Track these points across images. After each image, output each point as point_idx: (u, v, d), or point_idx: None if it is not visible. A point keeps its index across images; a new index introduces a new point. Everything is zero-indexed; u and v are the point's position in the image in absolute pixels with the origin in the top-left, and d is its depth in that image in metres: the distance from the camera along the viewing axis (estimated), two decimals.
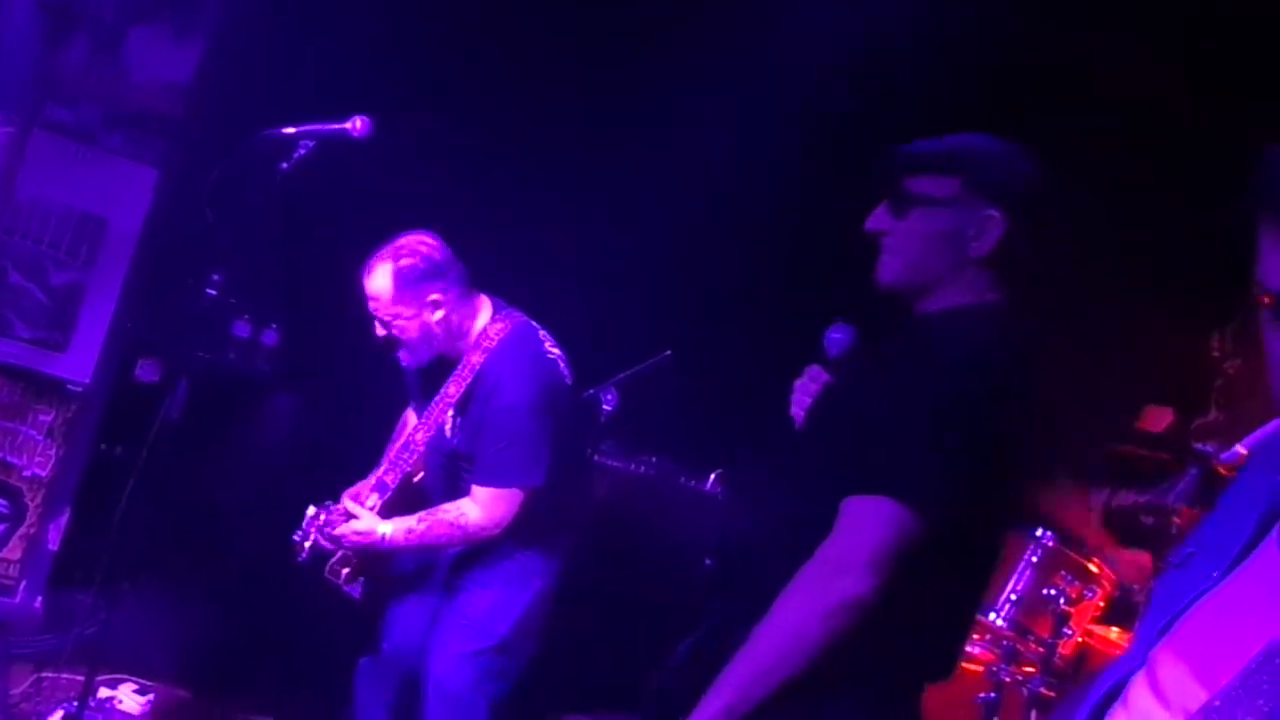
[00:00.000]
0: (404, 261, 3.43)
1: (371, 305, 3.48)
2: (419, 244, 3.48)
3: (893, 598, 1.97)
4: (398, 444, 3.63)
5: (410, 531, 3.40)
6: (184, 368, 3.75)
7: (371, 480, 3.55)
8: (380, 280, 3.44)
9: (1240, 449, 1.28)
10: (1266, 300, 1.24)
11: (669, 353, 4.03)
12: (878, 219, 2.24)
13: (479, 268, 3.55)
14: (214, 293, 3.88)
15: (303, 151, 3.49)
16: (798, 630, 1.97)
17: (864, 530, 1.98)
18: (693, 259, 4.66)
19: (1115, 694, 1.37)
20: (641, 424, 4.27)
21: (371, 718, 3.68)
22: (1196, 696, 1.25)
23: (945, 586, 2.12)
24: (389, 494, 3.47)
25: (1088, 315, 4.40)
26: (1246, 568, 1.34)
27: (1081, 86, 4.18)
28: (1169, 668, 1.32)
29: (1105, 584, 4.00)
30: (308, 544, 3.50)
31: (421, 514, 3.42)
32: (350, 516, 3.41)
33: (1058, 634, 3.86)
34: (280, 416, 4.84)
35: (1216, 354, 3.98)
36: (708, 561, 2.40)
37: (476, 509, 3.40)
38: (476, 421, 3.42)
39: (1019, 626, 3.95)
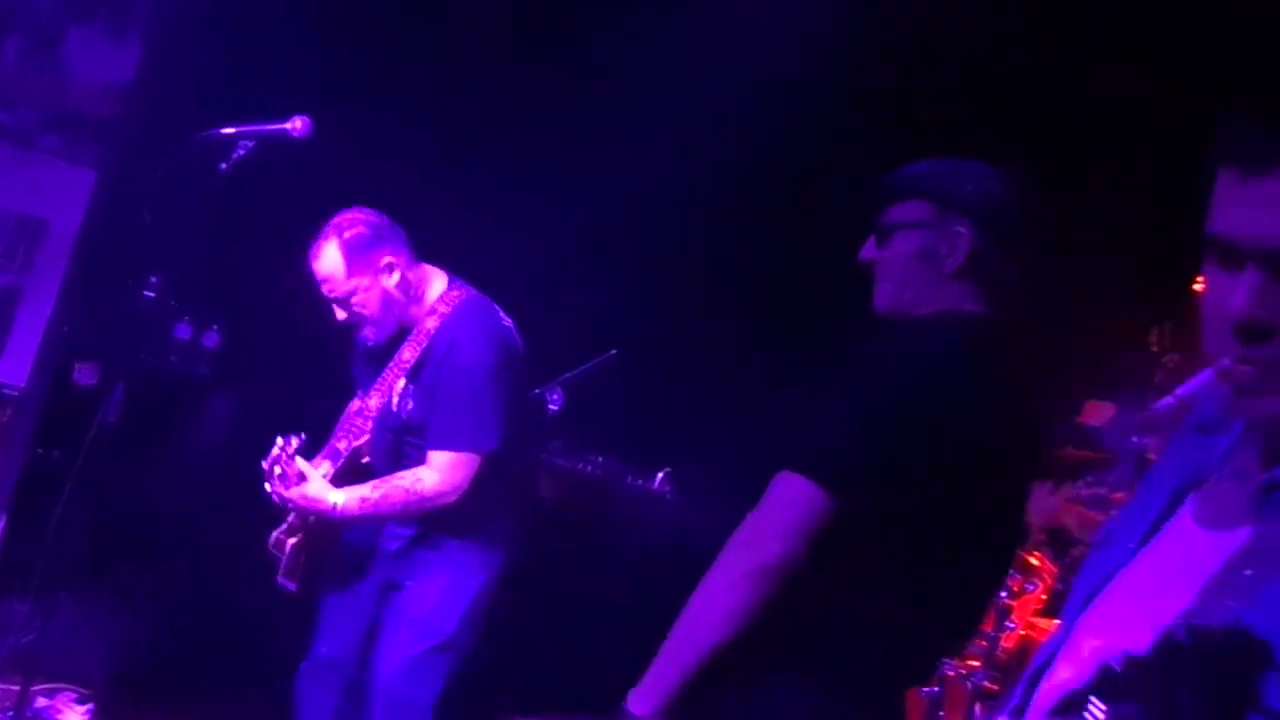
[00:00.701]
0: (348, 233, 3.42)
1: (326, 289, 3.44)
2: (357, 215, 3.46)
3: (827, 582, 2.06)
4: (350, 412, 3.59)
5: (364, 500, 3.33)
6: (122, 371, 3.70)
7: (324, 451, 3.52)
8: (330, 257, 3.41)
9: (1172, 399, 1.30)
10: (1213, 245, 1.24)
11: (614, 352, 4.04)
12: (866, 250, 2.37)
13: None
14: (153, 295, 3.87)
15: (242, 152, 3.47)
16: (719, 597, 2.09)
17: (776, 502, 2.11)
18: (637, 258, 4.66)
19: (1045, 668, 1.39)
20: (587, 424, 4.27)
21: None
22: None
23: (896, 583, 2.17)
24: (341, 462, 3.41)
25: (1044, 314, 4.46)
26: (1160, 540, 1.36)
27: (1014, 84, 4.22)
28: (1089, 640, 1.34)
29: (1046, 577, 4.04)
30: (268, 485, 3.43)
31: (375, 482, 3.36)
32: (303, 478, 3.33)
33: (1000, 627, 3.88)
34: (220, 419, 4.80)
35: (1155, 349, 4.05)
36: None
37: (433, 474, 3.34)
38: (431, 386, 3.38)
39: None
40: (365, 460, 3.47)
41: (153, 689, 4.33)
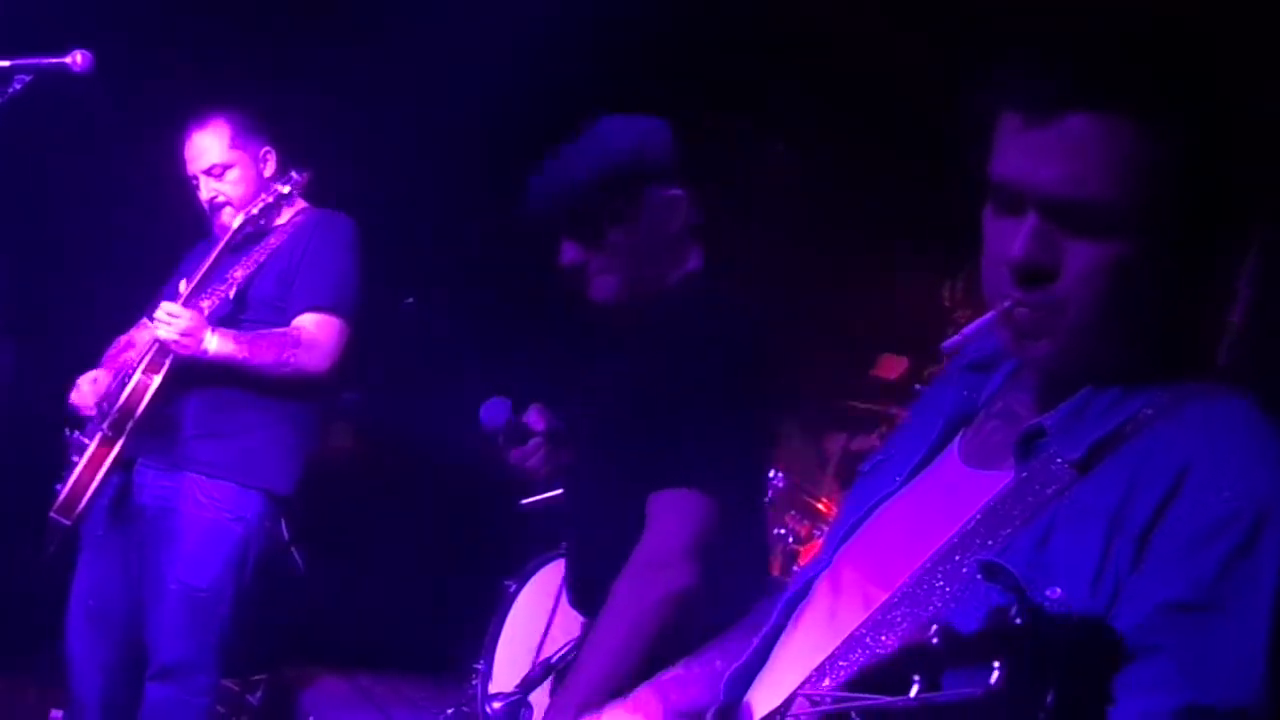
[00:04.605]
0: (236, 112, 3.51)
1: (204, 160, 3.46)
2: (241, 107, 3.54)
3: (712, 579, 2.10)
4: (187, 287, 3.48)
5: (237, 341, 3.30)
6: None
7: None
8: (215, 126, 3.47)
9: (958, 337, 1.32)
10: (994, 188, 1.27)
11: (411, 300, 4.00)
12: (570, 255, 2.31)
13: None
14: None
15: (17, 87, 3.23)
16: (631, 628, 2.09)
17: (676, 523, 2.11)
18: (427, 201, 4.62)
19: (804, 593, 1.43)
20: (387, 371, 4.24)
21: (87, 678, 3.51)
22: (873, 596, 1.29)
23: (745, 552, 2.27)
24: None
25: (819, 267, 4.58)
26: (927, 474, 1.40)
27: (793, 44, 4.30)
28: (850, 569, 1.37)
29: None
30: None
31: (248, 332, 3.35)
32: (178, 314, 3.26)
33: (787, 572, 4.05)
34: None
35: (947, 304, 4.22)
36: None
37: (307, 330, 3.37)
38: (291, 268, 3.45)
39: None
40: None
41: None
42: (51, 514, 3.41)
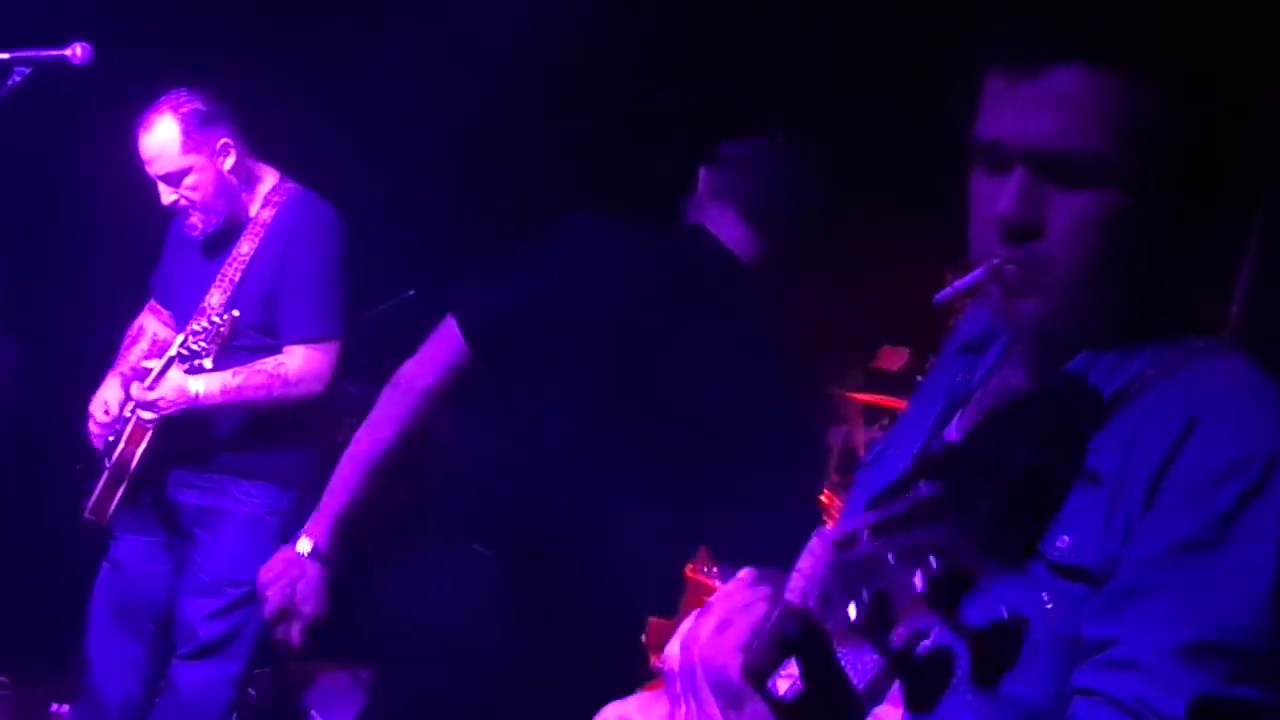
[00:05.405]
0: (185, 107, 3.28)
1: (157, 166, 3.28)
2: (193, 92, 3.32)
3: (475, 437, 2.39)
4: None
5: (225, 386, 3.22)
6: None
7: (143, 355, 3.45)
8: (164, 130, 3.26)
9: (949, 290, 1.31)
10: (981, 150, 1.28)
11: (412, 292, 4.00)
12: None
13: None
14: None
15: (17, 79, 3.26)
16: (382, 412, 2.45)
17: (435, 338, 2.45)
18: (429, 195, 4.61)
19: None
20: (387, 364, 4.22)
21: (109, 675, 3.52)
22: None
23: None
24: (173, 356, 3.28)
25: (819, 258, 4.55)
26: None
27: (795, 26, 4.30)
28: None
29: (835, 514, 4.18)
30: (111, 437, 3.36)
31: (234, 369, 3.24)
32: (160, 377, 3.21)
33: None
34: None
35: None
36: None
37: (295, 360, 3.27)
38: (273, 279, 3.30)
39: None
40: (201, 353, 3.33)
41: None
42: (85, 515, 3.43)
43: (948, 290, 1.30)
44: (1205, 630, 1.09)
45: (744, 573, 1.27)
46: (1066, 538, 1.07)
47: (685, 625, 1.22)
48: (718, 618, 1.18)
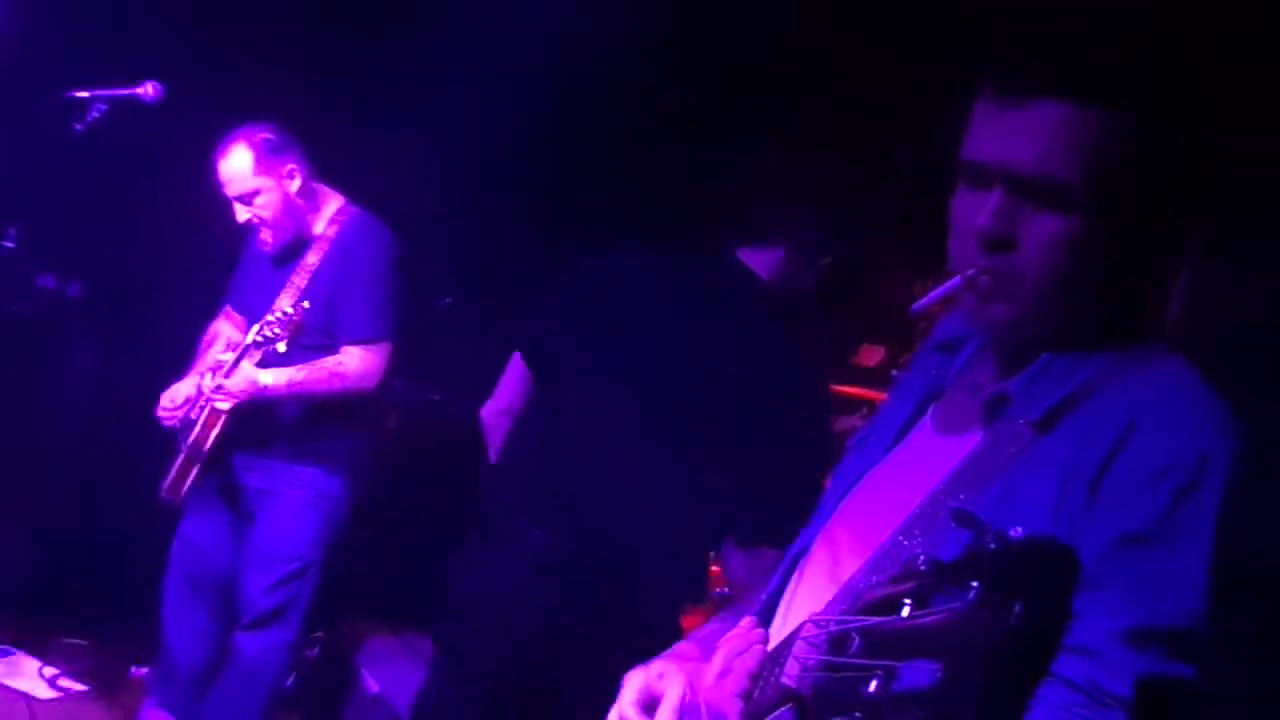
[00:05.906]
0: (258, 136, 3.63)
1: (232, 188, 3.63)
2: (264, 124, 3.67)
3: None
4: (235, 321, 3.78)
5: (291, 380, 3.55)
6: None
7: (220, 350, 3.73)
8: (239, 157, 3.61)
9: (925, 299, 1.42)
10: (966, 168, 1.35)
11: (449, 300, 4.21)
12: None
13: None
14: (11, 245, 3.99)
15: (96, 114, 3.63)
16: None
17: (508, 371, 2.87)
18: (471, 200, 4.77)
19: (804, 552, 1.53)
20: (425, 361, 4.44)
21: (181, 639, 3.83)
22: (865, 550, 1.38)
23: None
24: (244, 351, 3.59)
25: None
26: (905, 444, 1.50)
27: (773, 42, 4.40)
28: (843, 530, 1.48)
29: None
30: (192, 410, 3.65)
31: (299, 365, 3.57)
32: (235, 366, 3.53)
33: None
34: (85, 365, 4.88)
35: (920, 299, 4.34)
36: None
37: (353, 359, 3.58)
38: (332, 288, 3.61)
39: None
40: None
41: (27, 604, 4.41)
42: (162, 494, 3.73)
43: (924, 300, 1.41)
44: (1148, 616, 1.17)
45: (745, 620, 1.43)
46: (1019, 530, 1.12)
47: (688, 670, 1.43)
48: (721, 665, 1.34)
